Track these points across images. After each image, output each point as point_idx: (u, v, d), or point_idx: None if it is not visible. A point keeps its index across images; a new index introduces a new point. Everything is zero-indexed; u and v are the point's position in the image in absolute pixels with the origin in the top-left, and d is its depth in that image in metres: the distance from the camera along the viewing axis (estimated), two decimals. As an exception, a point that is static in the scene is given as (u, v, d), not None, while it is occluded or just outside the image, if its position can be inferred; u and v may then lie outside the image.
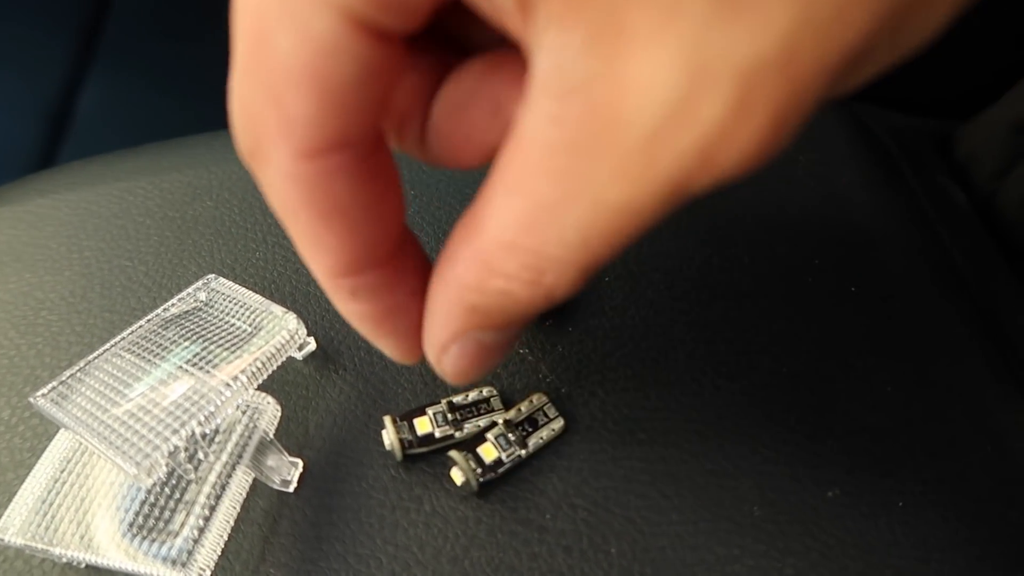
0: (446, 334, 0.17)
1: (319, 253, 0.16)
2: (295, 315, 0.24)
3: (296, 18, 0.12)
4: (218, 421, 0.22)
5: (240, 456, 0.22)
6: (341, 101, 0.13)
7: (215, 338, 0.24)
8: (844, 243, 0.28)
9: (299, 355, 0.26)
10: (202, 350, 0.23)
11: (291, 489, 0.23)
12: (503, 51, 0.16)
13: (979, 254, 0.32)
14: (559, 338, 0.26)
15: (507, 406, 0.24)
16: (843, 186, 0.30)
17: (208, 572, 0.21)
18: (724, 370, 0.25)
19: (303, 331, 0.24)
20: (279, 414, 0.24)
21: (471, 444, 0.23)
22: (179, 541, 0.21)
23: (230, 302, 0.25)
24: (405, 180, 0.30)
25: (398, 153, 0.17)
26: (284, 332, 0.24)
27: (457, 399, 0.24)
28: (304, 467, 0.23)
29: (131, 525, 0.21)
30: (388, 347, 0.19)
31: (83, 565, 0.22)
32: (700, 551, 0.21)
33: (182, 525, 0.21)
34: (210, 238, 0.29)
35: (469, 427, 0.23)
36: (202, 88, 0.74)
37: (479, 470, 0.22)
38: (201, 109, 0.72)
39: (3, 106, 0.70)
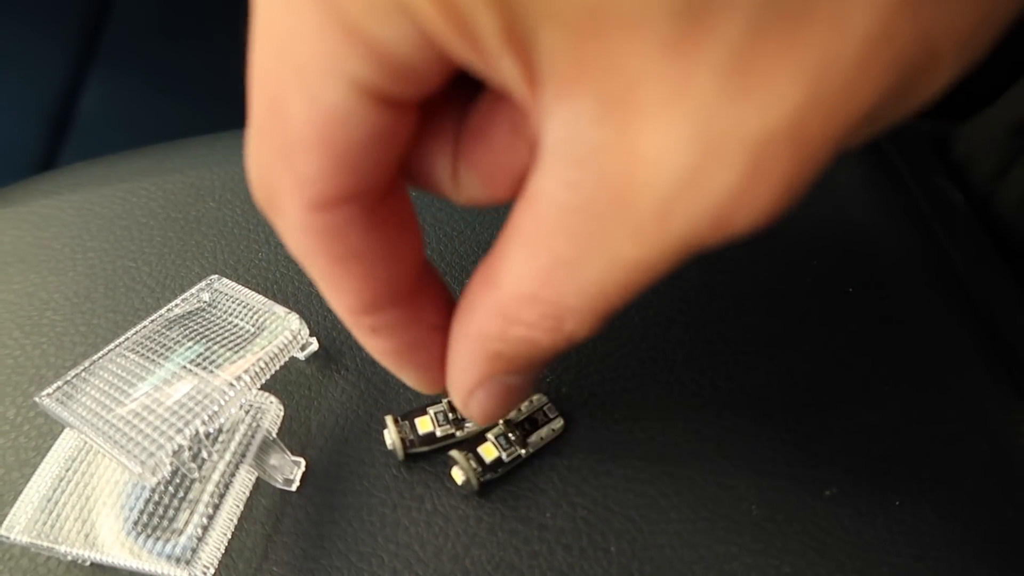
0: (472, 380, 0.18)
1: (337, 294, 0.16)
2: (298, 316, 0.24)
3: (308, 87, 0.13)
4: (221, 420, 0.22)
5: (243, 455, 0.22)
6: (351, 161, 0.14)
7: (218, 338, 0.24)
8: (842, 244, 0.28)
9: (302, 355, 0.26)
10: (205, 350, 0.23)
11: (294, 488, 0.23)
12: None
13: (976, 255, 0.33)
14: (559, 338, 0.26)
15: (507, 406, 0.24)
16: (841, 187, 0.31)
17: (212, 570, 0.21)
18: (722, 370, 0.25)
19: (305, 331, 0.24)
20: (282, 414, 0.24)
21: (472, 443, 0.23)
22: (183, 539, 0.21)
23: (233, 303, 0.25)
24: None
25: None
26: (287, 332, 0.24)
27: (458, 399, 0.24)
28: (306, 466, 0.24)
29: (135, 523, 0.21)
30: (410, 379, 0.19)
31: (88, 563, 0.22)
32: (698, 549, 0.22)
33: (186, 523, 0.21)
34: (213, 239, 0.29)
35: (470, 426, 0.24)
36: (203, 89, 0.74)
37: (479, 469, 0.23)
38: (202, 110, 0.73)
39: (5, 107, 0.70)
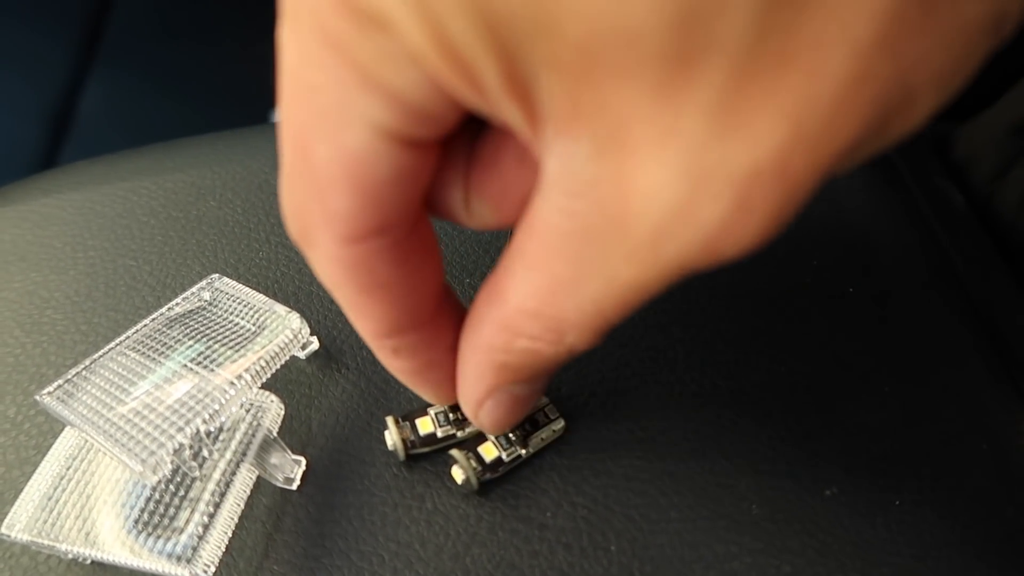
0: (480, 391, 0.19)
1: (363, 320, 0.17)
2: (298, 315, 0.24)
3: (331, 132, 0.14)
4: (222, 419, 0.22)
5: (244, 454, 0.22)
6: (377, 198, 0.14)
7: (219, 337, 0.24)
8: (842, 244, 0.28)
9: (302, 354, 0.26)
10: (206, 349, 0.23)
11: (294, 487, 0.23)
12: None
13: (976, 255, 0.33)
14: (560, 338, 0.26)
15: (508, 405, 0.24)
16: (841, 187, 0.31)
17: (212, 568, 0.21)
18: (722, 370, 0.25)
19: (306, 330, 0.24)
20: (283, 412, 0.24)
21: (472, 443, 0.23)
22: (184, 537, 0.21)
23: (234, 301, 0.25)
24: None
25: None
26: (287, 331, 0.24)
27: (459, 398, 0.24)
28: (307, 465, 0.24)
29: (136, 522, 0.21)
30: (427, 395, 0.20)
31: (88, 561, 0.22)
32: (699, 549, 0.22)
33: (187, 522, 0.21)
34: (214, 238, 0.29)
35: (471, 426, 0.24)
36: (203, 89, 0.74)
37: (479, 468, 0.23)
38: (202, 110, 0.73)
39: (5, 107, 0.70)
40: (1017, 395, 0.26)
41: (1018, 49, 0.38)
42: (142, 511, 0.22)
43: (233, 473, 0.22)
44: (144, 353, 0.23)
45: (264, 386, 0.24)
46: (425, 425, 0.23)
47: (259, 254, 0.29)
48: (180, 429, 0.21)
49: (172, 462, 0.21)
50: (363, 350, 0.26)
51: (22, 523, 0.22)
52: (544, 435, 0.24)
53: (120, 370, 0.23)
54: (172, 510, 0.22)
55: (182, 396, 0.22)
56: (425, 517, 0.23)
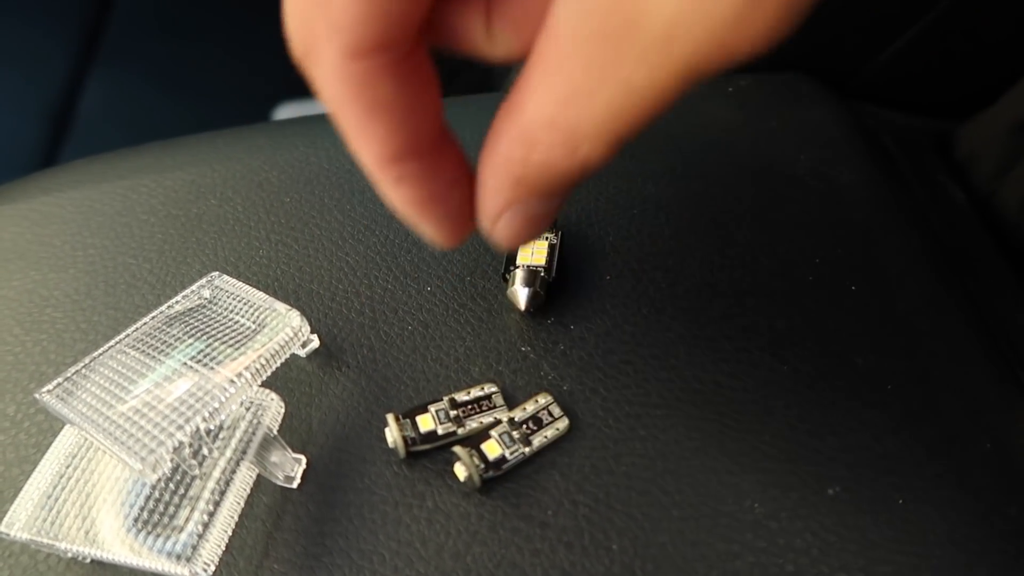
0: (498, 205, 0.19)
1: (367, 142, 0.18)
2: (299, 313, 0.24)
3: None
4: (222, 417, 0.22)
5: (244, 452, 0.22)
6: (381, 9, 0.15)
7: (219, 335, 0.24)
8: (844, 242, 0.28)
9: (302, 352, 0.26)
10: (206, 347, 0.23)
11: (294, 485, 0.23)
12: None
13: (978, 253, 0.33)
14: (560, 336, 0.26)
15: (509, 403, 0.24)
16: (843, 185, 0.31)
17: (212, 567, 0.21)
18: (725, 367, 0.25)
19: (306, 328, 0.24)
20: (283, 411, 0.24)
21: (475, 441, 0.23)
22: (183, 536, 0.21)
23: (234, 299, 0.25)
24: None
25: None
26: (288, 329, 0.24)
27: (459, 396, 0.24)
28: (307, 463, 0.24)
29: (136, 520, 0.21)
30: (428, 231, 0.21)
31: (88, 560, 0.22)
32: (701, 547, 0.22)
33: (187, 520, 0.21)
34: (214, 236, 0.29)
35: (471, 424, 0.24)
36: (203, 88, 0.74)
37: (482, 466, 0.22)
38: (202, 108, 0.73)
39: (6, 105, 0.70)
40: (1020, 394, 0.26)
41: (1019, 47, 0.38)
42: (142, 509, 0.22)
43: (233, 471, 0.22)
44: (144, 351, 0.23)
45: (264, 384, 0.23)
46: (426, 422, 0.23)
47: (259, 252, 0.29)
48: (180, 427, 0.21)
49: (172, 460, 0.21)
50: (364, 348, 0.26)
51: (21, 521, 0.22)
52: (548, 433, 0.23)
53: (120, 368, 0.23)
54: (172, 508, 0.21)
55: (182, 394, 0.22)
56: (426, 515, 0.22)
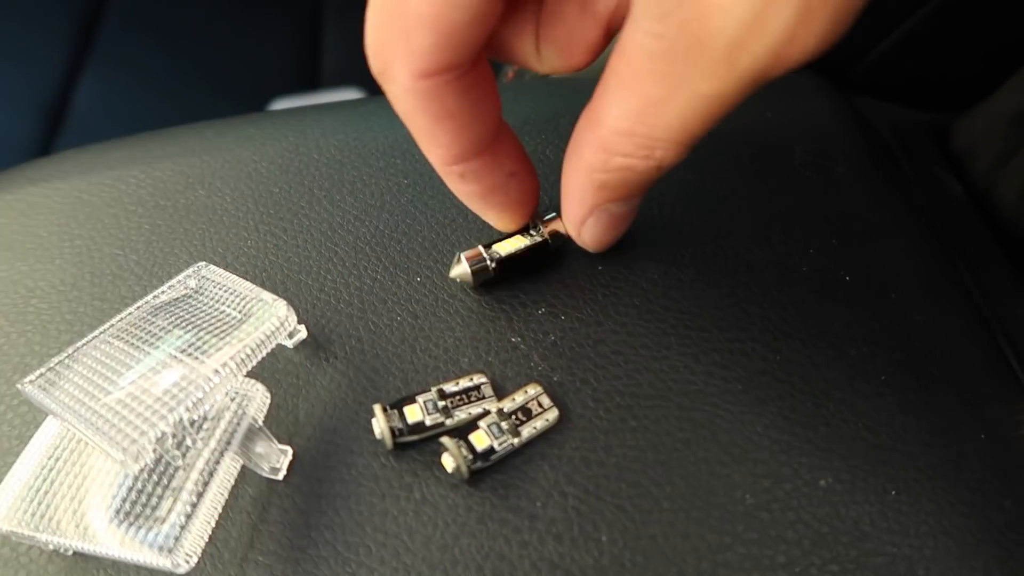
0: (583, 210, 0.22)
1: (434, 147, 0.21)
2: (285, 302, 0.24)
3: None
4: (206, 408, 0.21)
5: (228, 443, 0.22)
6: (454, 38, 0.17)
7: (204, 325, 0.23)
8: (839, 233, 0.28)
9: (289, 343, 0.25)
10: (191, 337, 0.23)
11: (280, 477, 0.23)
12: None
13: (975, 245, 0.32)
14: (551, 326, 0.25)
15: (498, 394, 0.24)
16: (839, 176, 0.30)
17: (195, 558, 0.21)
18: (717, 358, 0.24)
19: (293, 318, 0.24)
20: (268, 401, 0.24)
21: (463, 431, 0.23)
22: (166, 527, 0.21)
23: (220, 289, 0.25)
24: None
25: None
26: (274, 319, 0.23)
27: (448, 386, 0.24)
28: (293, 455, 0.23)
29: (118, 511, 0.21)
30: (493, 218, 0.24)
31: (70, 551, 0.22)
32: (691, 539, 0.21)
33: (169, 511, 0.21)
34: (202, 226, 0.29)
35: (460, 415, 0.23)
36: (197, 83, 0.74)
37: (470, 457, 0.22)
38: (196, 104, 0.72)
39: (0, 101, 0.70)
40: (1016, 386, 0.25)
41: (1016, 39, 0.38)
42: (124, 500, 0.21)
43: (217, 462, 0.22)
44: (129, 341, 0.23)
45: (250, 374, 0.23)
46: (413, 413, 0.23)
47: (247, 242, 0.28)
48: (163, 417, 0.20)
49: (154, 451, 0.20)
50: (352, 339, 0.26)
51: (2, 513, 0.21)
52: (537, 424, 0.23)
53: (104, 358, 0.23)
54: (155, 499, 0.21)
55: (166, 384, 0.21)
56: (413, 507, 0.22)
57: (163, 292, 0.25)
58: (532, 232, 0.25)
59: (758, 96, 0.34)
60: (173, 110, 0.70)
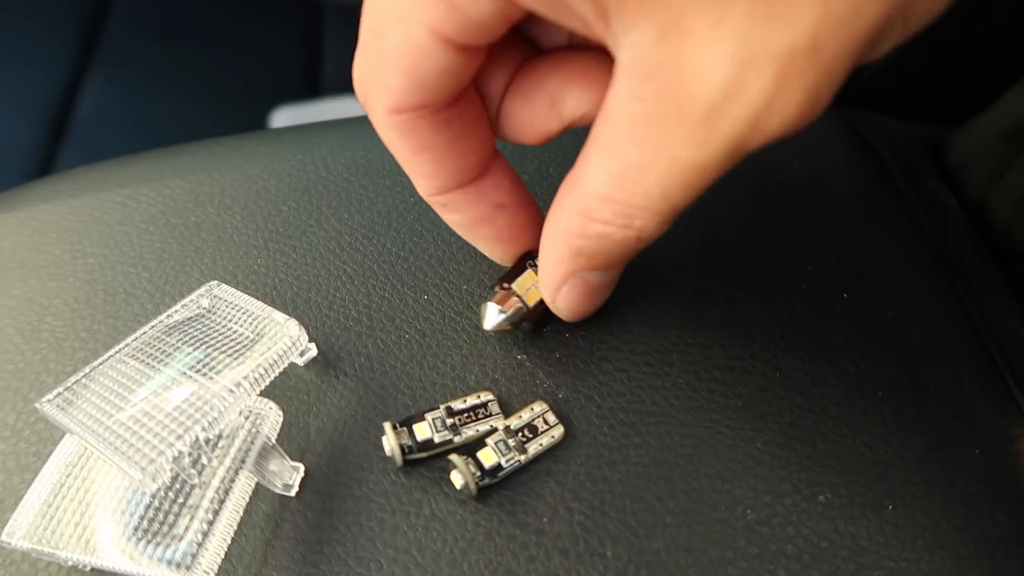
0: (558, 276, 0.21)
1: (416, 177, 0.21)
2: (296, 322, 0.24)
3: (401, 26, 0.17)
4: (221, 426, 0.22)
5: (243, 461, 0.22)
6: (423, 83, 0.18)
7: (218, 344, 0.24)
8: (836, 249, 0.29)
9: (300, 361, 0.26)
10: (205, 356, 0.23)
11: (293, 493, 0.23)
12: (560, 54, 0.20)
13: (969, 260, 0.33)
14: (556, 344, 0.26)
15: (505, 411, 0.25)
16: (836, 192, 0.31)
17: (212, 575, 0.21)
18: (718, 375, 0.25)
19: (304, 337, 0.24)
20: (281, 419, 0.24)
21: (471, 449, 0.23)
22: (183, 544, 0.21)
23: (233, 308, 0.25)
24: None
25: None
26: (286, 338, 0.24)
27: (456, 404, 0.24)
28: (305, 471, 0.24)
29: (136, 529, 0.22)
30: (482, 248, 0.24)
31: (88, 568, 0.22)
32: (694, 553, 0.22)
33: (186, 529, 0.21)
34: (213, 244, 0.30)
35: (468, 432, 0.24)
36: (202, 91, 0.74)
37: (478, 474, 0.23)
38: (201, 112, 0.73)
39: (3, 109, 0.70)
40: (1010, 401, 0.26)
41: (1011, 54, 0.38)
42: (141, 518, 0.22)
43: (232, 480, 0.22)
44: (143, 360, 0.24)
45: (263, 393, 0.24)
46: (422, 431, 0.24)
47: (257, 261, 0.29)
48: (179, 436, 0.21)
49: (171, 469, 0.21)
50: (361, 357, 0.26)
51: (22, 530, 0.22)
52: (543, 441, 0.24)
53: (119, 377, 0.23)
54: (171, 517, 0.22)
55: (181, 403, 0.22)
56: (423, 523, 0.23)
57: (176, 311, 0.25)
58: (530, 263, 0.24)
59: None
60: (177, 118, 0.70)
